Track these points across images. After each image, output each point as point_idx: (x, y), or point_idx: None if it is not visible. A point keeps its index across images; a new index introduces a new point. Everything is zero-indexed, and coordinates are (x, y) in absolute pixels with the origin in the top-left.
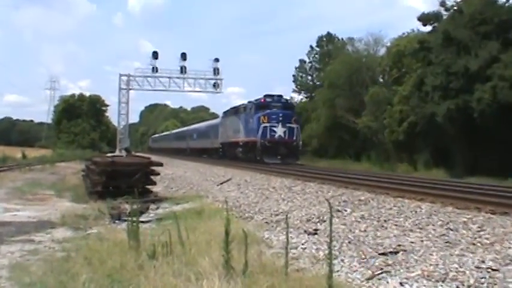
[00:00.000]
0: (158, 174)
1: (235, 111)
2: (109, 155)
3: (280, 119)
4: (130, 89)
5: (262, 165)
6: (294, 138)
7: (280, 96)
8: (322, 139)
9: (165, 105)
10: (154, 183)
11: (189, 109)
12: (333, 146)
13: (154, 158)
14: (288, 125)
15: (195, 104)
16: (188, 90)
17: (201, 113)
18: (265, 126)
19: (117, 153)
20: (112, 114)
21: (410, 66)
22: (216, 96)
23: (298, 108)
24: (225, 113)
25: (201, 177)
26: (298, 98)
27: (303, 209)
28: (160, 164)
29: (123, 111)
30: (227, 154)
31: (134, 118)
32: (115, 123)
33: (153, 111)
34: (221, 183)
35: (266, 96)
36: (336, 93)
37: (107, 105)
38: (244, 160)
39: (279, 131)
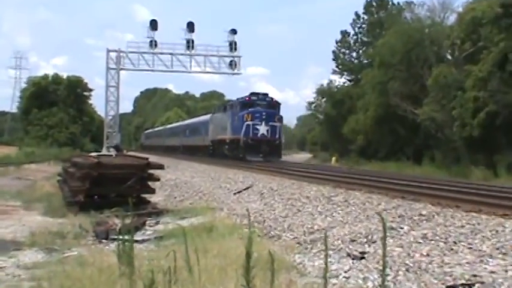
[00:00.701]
0: (158, 179)
1: (223, 108)
2: (94, 154)
3: (264, 117)
4: (121, 69)
5: (290, 169)
6: (277, 136)
7: (266, 94)
8: (370, 135)
9: (167, 90)
10: (152, 191)
11: (197, 95)
12: (384, 143)
13: (152, 158)
14: (271, 123)
15: (206, 89)
16: (197, 71)
17: (214, 100)
18: (248, 124)
19: (104, 152)
20: (97, 102)
21: (490, 39)
22: (232, 78)
23: (339, 94)
24: (215, 110)
25: (213, 184)
26: (339, 81)
27: (346, 226)
28: (161, 167)
29: (112, 97)
30: (216, 152)
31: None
32: (101, 113)
33: (151, 98)
34: (239, 192)
35: (252, 94)
36: (390, 75)
37: (91, 90)
38: (232, 158)
39: (262, 129)
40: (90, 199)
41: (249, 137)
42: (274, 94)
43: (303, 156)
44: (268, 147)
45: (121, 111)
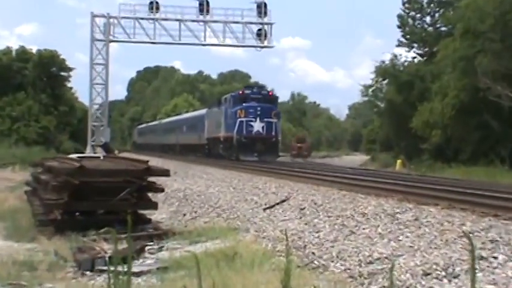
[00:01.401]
0: (161, 190)
1: (218, 102)
2: (75, 156)
3: (259, 113)
4: (111, 41)
5: (340, 176)
6: (273, 133)
7: (262, 87)
8: (450, 130)
9: (173, 70)
10: (154, 206)
11: (214, 76)
12: (470, 141)
13: (153, 162)
14: (267, 119)
15: (225, 68)
16: (213, 43)
17: (236, 82)
18: (242, 121)
19: (88, 153)
20: (79, 86)
21: None
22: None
23: (407, 74)
24: (211, 104)
25: (236, 196)
26: (407, 56)
27: (417, 254)
28: (165, 173)
29: (99, 79)
30: (212, 152)
31: (119, 92)
32: (85, 100)
33: (151, 80)
34: (271, 206)
35: (246, 87)
36: (478, 47)
37: (70, 70)
38: (227, 158)
39: (257, 126)
40: (70, 217)
41: (242, 135)
42: (319, 74)
43: (356, 159)
44: (264, 145)
45: (111, 97)
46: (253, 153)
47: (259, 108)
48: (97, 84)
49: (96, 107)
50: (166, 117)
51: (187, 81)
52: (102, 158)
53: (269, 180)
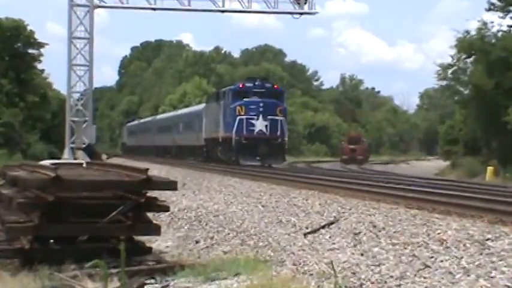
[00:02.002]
0: (166, 209)
1: (217, 96)
2: (48, 162)
3: (261, 109)
4: (97, 7)
5: (411, 191)
6: (278, 133)
7: (265, 79)
8: None
9: (181, 46)
10: (156, 230)
11: (236, 55)
12: None
13: (154, 169)
14: (271, 117)
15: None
16: (235, 9)
17: (265, 61)
18: (242, 119)
19: (66, 158)
20: (54, 68)
21: None
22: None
23: (500, 49)
24: (209, 98)
25: (267, 216)
26: (501, 24)
27: None
28: (171, 185)
29: (80, 59)
30: (211, 155)
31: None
32: (61, 88)
33: (151, 59)
34: (314, 231)
35: (247, 80)
36: None
37: (41, 46)
38: (225, 163)
39: (259, 124)
40: (42, 245)
41: (242, 135)
42: (378, 50)
43: (431, 165)
44: (268, 147)
45: (98, 83)
46: (255, 156)
47: (262, 104)
48: (78, 65)
49: (76, 96)
50: (172, 109)
51: (200, 61)
52: (85, 165)
53: (311, 194)
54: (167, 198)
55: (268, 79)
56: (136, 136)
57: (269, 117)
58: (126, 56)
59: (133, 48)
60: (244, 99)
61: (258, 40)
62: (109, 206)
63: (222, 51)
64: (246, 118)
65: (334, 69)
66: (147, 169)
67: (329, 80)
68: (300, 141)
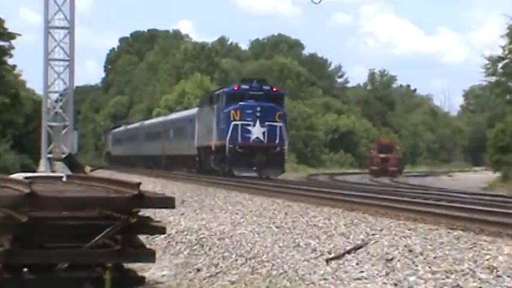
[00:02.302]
0: (162, 231)
1: (210, 99)
2: (21, 176)
3: (258, 114)
4: None
5: (454, 208)
6: (277, 141)
7: (262, 81)
8: None
9: (179, 35)
10: (150, 256)
11: (245, 46)
12: None
13: (147, 183)
14: (269, 123)
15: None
16: None
17: (278, 55)
18: (236, 125)
19: (43, 171)
20: (28, 63)
21: None
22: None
23: None
24: (202, 102)
25: (281, 239)
26: None
27: None
28: (168, 203)
29: (59, 53)
30: (203, 165)
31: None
32: (37, 87)
33: (143, 51)
34: (338, 256)
35: (243, 81)
36: None
37: (12, 36)
38: (220, 174)
39: (256, 131)
40: (14, 274)
41: (237, 143)
42: (414, 40)
43: (478, 178)
44: (265, 156)
45: (80, 81)
46: (252, 166)
47: (259, 109)
48: (56, 60)
49: (54, 97)
50: (168, 112)
51: (202, 54)
52: (65, 179)
53: (334, 213)
54: (163, 218)
55: (266, 81)
56: (122, 144)
57: (267, 123)
58: (113, 49)
59: (121, 40)
60: (240, 103)
61: (270, 29)
62: (93, 227)
63: (228, 43)
64: (241, 124)
65: (362, 63)
66: (139, 183)
67: (355, 76)
68: (320, 150)
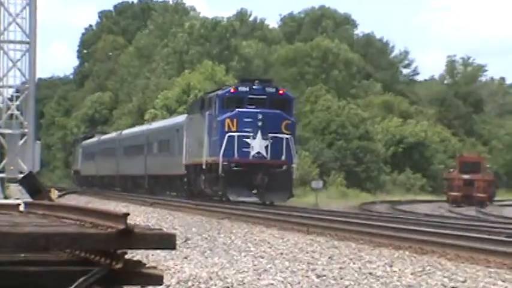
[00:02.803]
0: (158, 282)
1: (201, 104)
2: None
3: (260, 123)
4: None
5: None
6: (283, 157)
7: (267, 81)
8: None
9: (182, 8)
10: None
11: (273, 23)
12: None
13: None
14: (273, 134)
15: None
16: None
17: (320, 36)
18: (232, 137)
19: None
20: None
21: None
22: None
23: None
24: (192, 107)
25: None
26: None
27: None
28: (165, 241)
29: (16, 32)
30: (193, 188)
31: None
32: None
33: (130, 30)
34: None
35: (242, 82)
36: None
37: None
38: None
39: (257, 145)
40: None
41: (233, 159)
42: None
43: None
44: (268, 177)
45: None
46: (251, 189)
47: (260, 117)
48: (11, 42)
49: (9, 93)
50: (167, 114)
51: (214, 35)
52: (22, 208)
53: (398, 257)
54: (159, 263)
55: (271, 81)
56: (95, 161)
57: (271, 134)
58: (90, 26)
59: (102, 14)
60: (237, 110)
61: (309, 1)
62: (62, 276)
63: (250, 19)
64: (239, 136)
65: (436, 48)
66: (126, 214)
67: (428, 66)
68: (378, 168)
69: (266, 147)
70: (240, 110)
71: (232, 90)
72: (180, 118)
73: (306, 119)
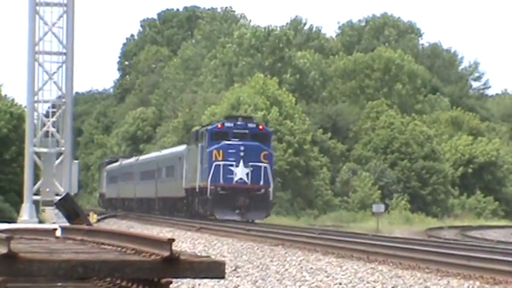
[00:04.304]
0: None
1: (196, 136)
2: None
3: (242, 154)
4: None
5: None
6: (262, 182)
7: (248, 118)
8: None
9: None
10: None
11: (330, 32)
12: None
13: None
14: (253, 163)
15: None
16: None
17: (382, 46)
18: (218, 165)
19: (25, 219)
20: (4, 59)
21: None
22: None
23: None
24: (190, 138)
25: None
26: None
27: None
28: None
29: (52, 43)
30: (190, 209)
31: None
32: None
33: (175, 40)
34: None
35: (227, 118)
36: None
37: None
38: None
39: (239, 172)
40: None
41: (219, 184)
42: None
43: None
44: (249, 199)
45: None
46: (235, 209)
47: (242, 148)
48: (47, 53)
49: (43, 109)
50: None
51: (266, 45)
52: (59, 233)
53: (468, 287)
54: None
55: (252, 118)
56: (118, 184)
57: (251, 163)
58: (132, 36)
59: (145, 23)
60: (223, 142)
61: (369, 8)
62: None
63: (305, 28)
64: (224, 164)
65: (509, 59)
66: (172, 240)
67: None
68: (446, 191)
69: (247, 174)
70: (226, 142)
71: (219, 126)
72: (182, 147)
73: (366, 136)
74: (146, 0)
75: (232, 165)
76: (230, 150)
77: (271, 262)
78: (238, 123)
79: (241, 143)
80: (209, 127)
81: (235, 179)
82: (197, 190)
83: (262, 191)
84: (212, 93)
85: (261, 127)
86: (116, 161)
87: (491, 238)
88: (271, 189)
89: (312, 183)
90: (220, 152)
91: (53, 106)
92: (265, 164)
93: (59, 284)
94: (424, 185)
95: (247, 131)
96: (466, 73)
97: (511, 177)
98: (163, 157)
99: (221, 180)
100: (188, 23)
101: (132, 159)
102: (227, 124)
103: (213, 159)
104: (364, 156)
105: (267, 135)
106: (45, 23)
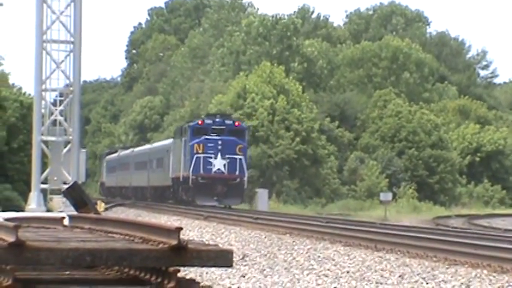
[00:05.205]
0: None
1: (180, 131)
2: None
3: (220, 147)
4: None
5: None
6: (237, 172)
7: (226, 116)
8: None
9: (237, 4)
10: None
11: (337, 21)
12: None
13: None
14: (229, 155)
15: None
16: None
17: (389, 34)
18: (199, 157)
19: (33, 208)
20: (11, 48)
21: None
22: None
23: None
24: (176, 133)
25: None
26: None
27: None
28: (222, 258)
29: (59, 32)
30: (176, 196)
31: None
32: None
33: (183, 29)
34: None
35: (207, 116)
36: None
37: None
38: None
39: (217, 163)
40: None
41: (199, 174)
42: None
43: None
44: (226, 187)
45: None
46: (213, 196)
47: (220, 142)
48: (54, 42)
49: (51, 97)
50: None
51: (274, 34)
52: (67, 222)
53: (476, 276)
54: (214, 281)
55: (230, 115)
56: (116, 174)
57: (228, 155)
58: (139, 25)
59: (152, 12)
60: (204, 137)
61: None
62: None
63: (312, 16)
64: (204, 156)
65: None
66: (179, 228)
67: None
68: (453, 179)
69: (224, 165)
70: (206, 137)
71: (200, 123)
72: (169, 141)
73: (374, 125)
74: None
75: (211, 157)
76: (209, 144)
77: (279, 251)
78: (217, 120)
79: (219, 137)
80: (191, 123)
81: (214, 169)
82: (181, 179)
83: (238, 180)
84: (219, 81)
85: (237, 124)
86: (115, 152)
87: (498, 227)
88: (245, 179)
89: (319, 172)
90: (201, 145)
91: (61, 95)
92: (240, 156)
93: (67, 272)
94: (432, 174)
95: (224, 127)
96: (474, 62)
97: None
98: (154, 149)
99: (201, 171)
100: (196, 11)
101: (128, 151)
102: (207, 121)
103: (195, 151)
104: (372, 145)
105: (243, 131)
106: (53, 12)
